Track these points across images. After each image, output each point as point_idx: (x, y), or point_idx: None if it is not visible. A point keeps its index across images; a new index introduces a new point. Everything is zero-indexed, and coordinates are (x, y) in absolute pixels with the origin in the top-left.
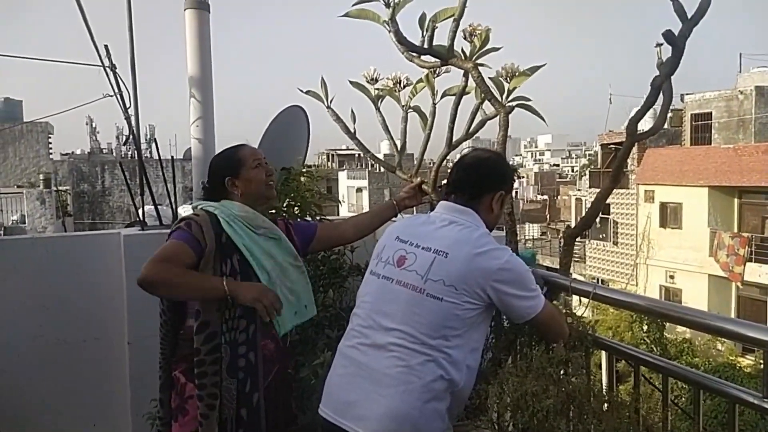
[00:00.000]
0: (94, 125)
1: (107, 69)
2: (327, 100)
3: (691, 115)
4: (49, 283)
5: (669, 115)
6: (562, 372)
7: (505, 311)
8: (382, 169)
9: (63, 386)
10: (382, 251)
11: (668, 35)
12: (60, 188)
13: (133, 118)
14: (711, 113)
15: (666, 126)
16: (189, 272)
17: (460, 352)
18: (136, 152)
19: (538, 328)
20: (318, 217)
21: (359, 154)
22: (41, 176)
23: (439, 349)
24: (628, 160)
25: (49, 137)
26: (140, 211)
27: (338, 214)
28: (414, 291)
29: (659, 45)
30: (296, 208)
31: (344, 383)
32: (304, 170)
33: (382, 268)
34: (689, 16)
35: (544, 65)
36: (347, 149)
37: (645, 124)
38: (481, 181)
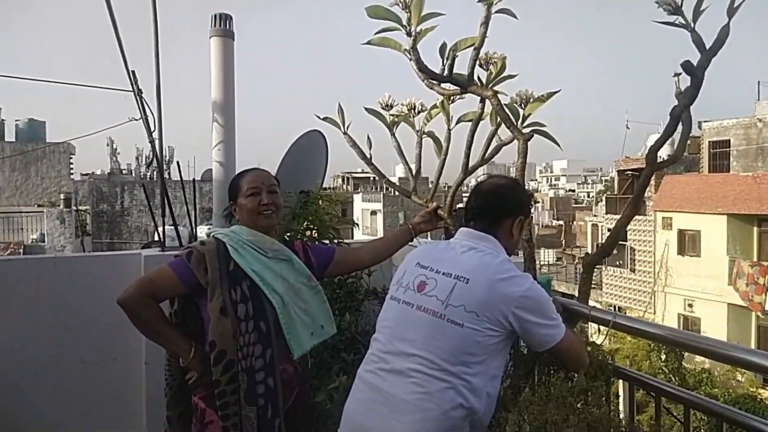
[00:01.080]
0: (114, 146)
1: (135, 94)
2: (344, 126)
3: (709, 142)
4: (71, 302)
5: (687, 143)
6: (582, 401)
7: (526, 339)
8: (397, 192)
9: (81, 405)
10: (402, 277)
11: (687, 66)
12: (80, 208)
13: (156, 142)
14: (729, 141)
15: (684, 154)
16: (165, 326)
17: (481, 380)
18: (156, 173)
19: (558, 356)
20: (336, 241)
21: (374, 177)
22: (62, 196)
23: (459, 376)
24: None
25: (71, 158)
26: (160, 230)
27: (353, 237)
28: (434, 317)
29: (677, 75)
30: (314, 231)
31: (362, 408)
32: (322, 194)
33: (403, 293)
34: (708, 47)
35: (558, 91)
36: (362, 172)
37: (662, 152)
38: (499, 207)
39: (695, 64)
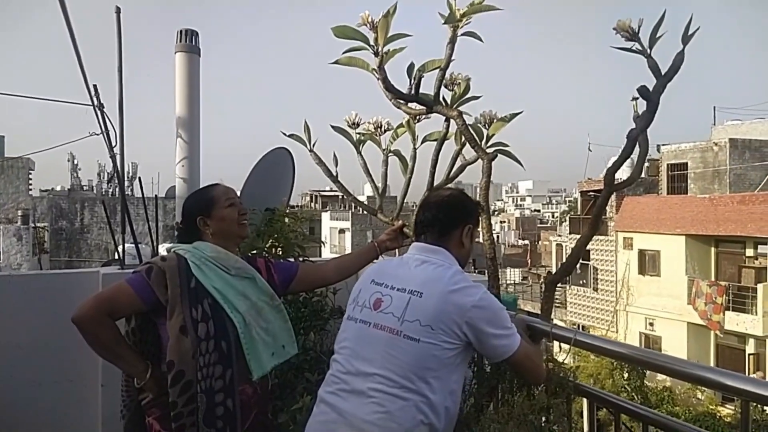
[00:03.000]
0: (75, 162)
1: (96, 108)
2: (310, 143)
3: (668, 165)
4: (24, 321)
5: (646, 164)
6: (543, 419)
7: (481, 349)
8: (364, 210)
9: (34, 427)
10: (358, 295)
11: (643, 91)
12: (38, 225)
13: (118, 157)
14: (687, 164)
15: (643, 175)
16: (121, 346)
17: (440, 395)
18: (118, 190)
19: (514, 367)
20: (301, 258)
21: (343, 196)
22: (19, 212)
23: (418, 392)
24: (607, 208)
25: (30, 173)
26: (120, 249)
27: (320, 255)
28: (391, 333)
29: (635, 99)
30: (279, 249)
31: (324, 429)
32: (287, 211)
33: (359, 312)
34: (663, 73)
35: (521, 112)
36: (331, 190)
37: (622, 174)
38: (447, 218)
39: (651, 89)
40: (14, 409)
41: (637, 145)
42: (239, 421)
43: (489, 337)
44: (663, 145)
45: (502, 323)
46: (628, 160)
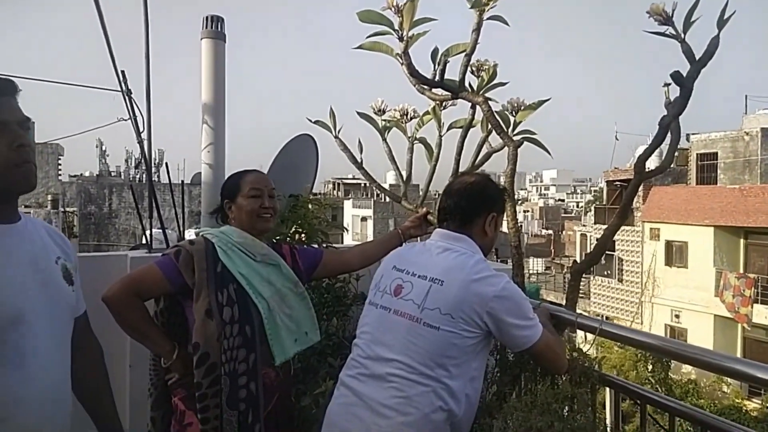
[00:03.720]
0: (104, 148)
1: (124, 94)
2: (335, 129)
3: (697, 154)
4: None
5: (675, 154)
6: (567, 408)
7: (502, 339)
8: (388, 199)
9: None
10: (380, 281)
11: (676, 76)
12: (67, 209)
13: (145, 143)
14: (717, 153)
15: (672, 165)
16: (149, 326)
17: (459, 382)
18: (145, 175)
19: (535, 357)
20: (324, 245)
21: (365, 184)
22: (49, 197)
23: (437, 379)
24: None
25: (59, 159)
26: (148, 233)
27: (343, 242)
28: (411, 321)
29: (667, 85)
30: (303, 234)
31: (344, 412)
32: (311, 198)
33: (380, 297)
34: (697, 58)
35: (548, 99)
36: (353, 178)
37: (650, 163)
38: (470, 205)
39: (685, 75)
40: None
41: (669, 134)
42: (262, 403)
43: (510, 328)
44: (692, 134)
45: (524, 313)
46: (657, 150)
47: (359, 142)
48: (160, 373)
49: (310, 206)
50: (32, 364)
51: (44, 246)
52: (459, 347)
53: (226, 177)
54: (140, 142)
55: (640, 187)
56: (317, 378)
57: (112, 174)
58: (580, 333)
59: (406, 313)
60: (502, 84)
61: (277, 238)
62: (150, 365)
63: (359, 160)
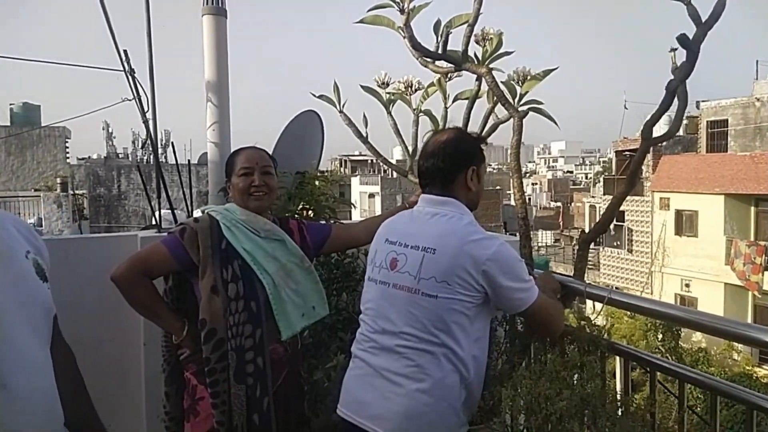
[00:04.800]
0: (110, 130)
1: (127, 74)
2: (339, 104)
3: (707, 122)
4: (67, 283)
5: (684, 121)
6: (576, 376)
7: (497, 302)
8: (395, 175)
9: None
10: (375, 256)
11: (683, 39)
12: (77, 192)
13: (150, 123)
14: (727, 120)
15: (681, 133)
16: (158, 303)
17: (465, 345)
18: (152, 156)
19: (530, 320)
20: (332, 220)
21: (372, 160)
22: (58, 180)
23: (444, 345)
24: (643, 167)
25: (66, 142)
26: (157, 214)
27: (351, 219)
28: (409, 293)
29: (674, 50)
30: (310, 211)
31: (359, 383)
32: (318, 174)
33: (378, 273)
34: (703, 20)
35: (556, 68)
36: (360, 155)
37: (660, 130)
38: (448, 164)
39: (691, 38)
40: None
41: (676, 99)
42: (270, 378)
43: (505, 290)
44: (702, 101)
45: (518, 275)
46: (666, 117)
47: (364, 116)
48: (171, 349)
49: (317, 183)
50: (16, 371)
51: (11, 239)
52: (459, 312)
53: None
54: (145, 122)
55: (649, 157)
56: (328, 352)
57: (120, 156)
58: (589, 304)
59: (404, 286)
60: (508, 53)
61: (286, 214)
62: (162, 342)
63: (364, 135)
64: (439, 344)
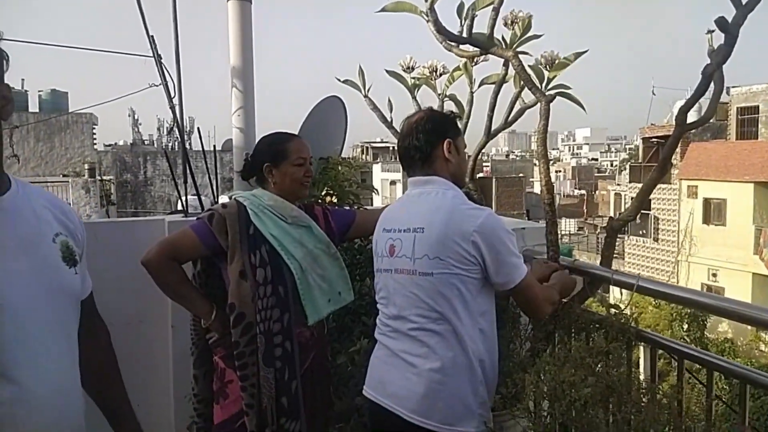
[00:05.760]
0: (136, 117)
1: (156, 59)
2: (364, 89)
3: (737, 108)
4: (97, 267)
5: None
6: (601, 364)
7: (489, 275)
8: None
9: None
10: (376, 246)
11: (721, 22)
12: (104, 178)
13: (177, 108)
14: (758, 107)
15: (711, 120)
16: (187, 287)
17: (470, 319)
18: (178, 142)
19: (516, 299)
20: (356, 206)
21: (393, 147)
22: (86, 166)
23: (449, 322)
24: None
25: (94, 128)
26: (183, 199)
27: (372, 205)
28: (409, 275)
29: (710, 32)
30: (334, 197)
31: (382, 365)
32: (341, 160)
33: (381, 262)
34: (743, 2)
35: (585, 52)
36: (381, 142)
37: (690, 117)
38: (422, 142)
39: (730, 21)
40: None
41: (712, 83)
42: (297, 361)
43: (494, 261)
44: (733, 87)
45: (507, 247)
46: (695, 104)
47: (389, 101)
48: (200, 333)
49: (340, 168)
50: (28, 365)
51: (38, 222)
52: (459, 286)
53: (257, 140)
54: (172, 108)
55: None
56: (352, 337)
57: (145, 142)
58: (615, 292)
59: (404, 269)
60: (536, 37)
61: (310, 200)
62: (191, 326)
63: (389, 120)
64: (444, 323)
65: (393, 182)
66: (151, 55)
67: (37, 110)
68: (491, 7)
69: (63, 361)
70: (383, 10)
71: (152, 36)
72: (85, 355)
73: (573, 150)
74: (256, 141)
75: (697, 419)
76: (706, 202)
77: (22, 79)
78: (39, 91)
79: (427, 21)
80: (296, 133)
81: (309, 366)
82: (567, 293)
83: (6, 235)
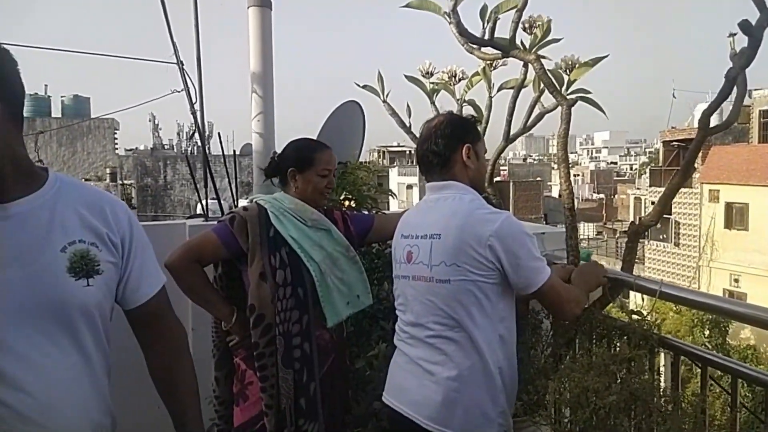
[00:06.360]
0: (156, 122)
1: (179, 65)
2: (383, 94)
3: (760, 111)
4: None
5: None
6: (624, 370)
7: (509, 279)
8: None
9: (129, 371)
10: (395, 252)
11: (745, 25)
12: (125, 182)
13: (198, 114)
14: None
15: (738, 118)
16: (209, 290)
17: (488, 327)
18: (198, 147)
19: (541, 301)
20: (374, 210)
21: (410, 151)
22: (108, 170)
23: (467, 330)
24: None
25: (115, 133)
26: (204, 202)
27: (389, 209)
28: (426, 282)
29: (733, 35)
30: (352, 201)
31: (401, 371)
32: (359, 164)
33: (399, 268)
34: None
35: (606, 56)
36: (398, 146)
37: (713, 121)
38: (441, 147)
39: (754, 24)
40: (110, 354)
41: (735, 87)
42: (316, 364)
43: (514, 265)
44: (755, 90)
45: (528, 250)
46: (717, 108)
47: (407, 106)
48: (221, 335)
49: (358, 173)
50: (7, 379)
51: (50, 230)
52: (476, 293)
53: (276, 144)
54: (193, 113)
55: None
56: (370, 341)
57: (166, 147)
58: (636, 298)
59: (421, 276)
60: (556, 40)
61: (329, 204)
62: (212, 328)
63: (408, 125)
64: (461, 331)
65: (410, 186)
66: (174, 61)
67: (60, 115)
68: (514, 10)
69: (56, 374)
70: (408, 5)
71: (175, 42)
72: (151, 360)
73: (592, 153)
74: (275, 145)
75: (721, 427)
76: (728, 206)
77: (45, 85)
78: (62, 97)
79: (450, 23)
80: (316, 137)
81: (328, 369)
82: (594, 285)
83: (2, 244)
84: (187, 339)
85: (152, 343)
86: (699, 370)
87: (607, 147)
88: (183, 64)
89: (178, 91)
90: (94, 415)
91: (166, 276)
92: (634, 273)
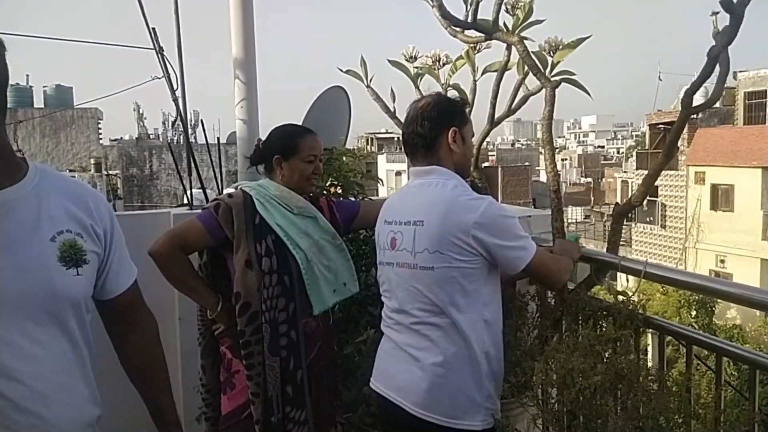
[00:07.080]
0: (141, 111)
1: (157, 51)
2: (367, 79)
3: (745, 93)
4: None
5: (724, 88)
6: (610, 351)
7: (495, 262)
8: None
9: (115, 361)
10: (378, 238)
11: (726, 3)
12: (110, 172)
13: (180, 101)
14: (765, 91)
15: (718, 105)
16: (194, 278)
17: (473, 313)
18: (182, 136)
19: (532, 276)
20: (360, 197)
21: (398, 138)
22: (92, 161)
23: (451, 316)
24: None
25: (99, 123)
26: (189, 192)
27: (378, 195)
28: (410, 269)
29: (715, 14)
30: (339, 187)
31: (388, 357)
32: (345, 150)
33: (383, 254)
34: None
35: (589, 37)
36: (386, 132)
37: (696, 101)
38: (427, 129)
39: (735, 1)
40: (96, 344)
41: (717, 65)
42: (303, 351)
43: (498, 250)
44: (740, 71)
45: (512, 232)
46: (702, 89)
47: (392, 90)
48: (207, 324)
49: (344, 158)
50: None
51: (38, 219)
52: (460, 279)
53: (260, 131)
54: (175, 100)
55: (685, 130)
56: (358, 327)
57: (151, 137)
58: (622, 280)
59: (405, 263)
60: (539, 22)
61: (315, 192)
62: (198, 317)
63: (392, 110)
64: (446, 317)
65: (398, 173)
66: (154, 47)
67: (42, 106)
68: None
69: (48, 363)
70: None
71: (153, 28)
72: (127, 351)
73: (579, 138)
74: (260, 132)
75: (706, 406)
76: (714, 188)
77: (27, 75)
78: (44, 87)
79: (432, 6)
80: (300, 123)
81: (315, 356)
82: (576, 254)
83: None
84: (158, 328)
85: (127, 332)
86: (685, 350)
87: (594, 131)
88: (163, 50)
89: (158, 78)
90: (86, 403)
91: (149, 265)
92: (620, 255)
